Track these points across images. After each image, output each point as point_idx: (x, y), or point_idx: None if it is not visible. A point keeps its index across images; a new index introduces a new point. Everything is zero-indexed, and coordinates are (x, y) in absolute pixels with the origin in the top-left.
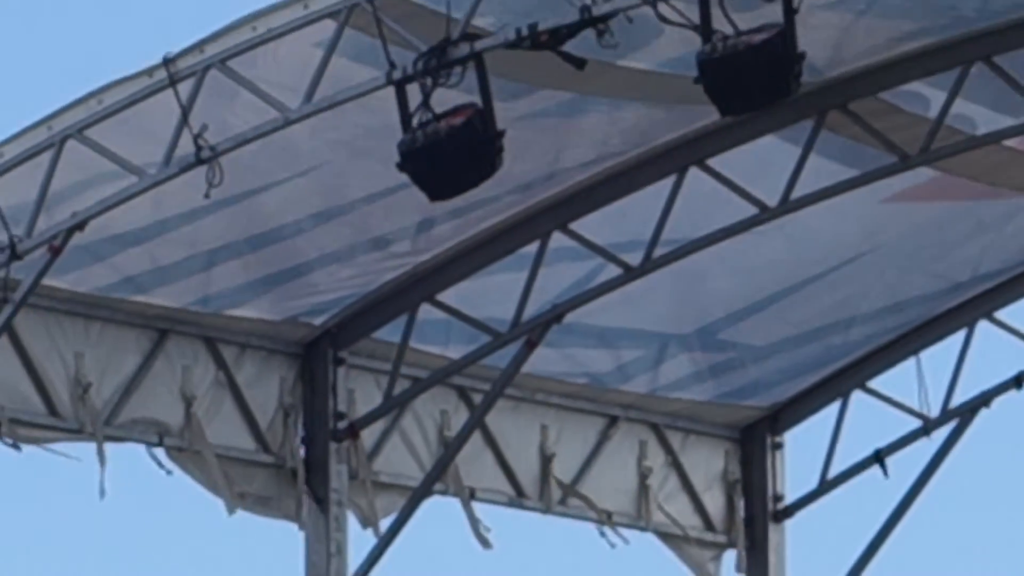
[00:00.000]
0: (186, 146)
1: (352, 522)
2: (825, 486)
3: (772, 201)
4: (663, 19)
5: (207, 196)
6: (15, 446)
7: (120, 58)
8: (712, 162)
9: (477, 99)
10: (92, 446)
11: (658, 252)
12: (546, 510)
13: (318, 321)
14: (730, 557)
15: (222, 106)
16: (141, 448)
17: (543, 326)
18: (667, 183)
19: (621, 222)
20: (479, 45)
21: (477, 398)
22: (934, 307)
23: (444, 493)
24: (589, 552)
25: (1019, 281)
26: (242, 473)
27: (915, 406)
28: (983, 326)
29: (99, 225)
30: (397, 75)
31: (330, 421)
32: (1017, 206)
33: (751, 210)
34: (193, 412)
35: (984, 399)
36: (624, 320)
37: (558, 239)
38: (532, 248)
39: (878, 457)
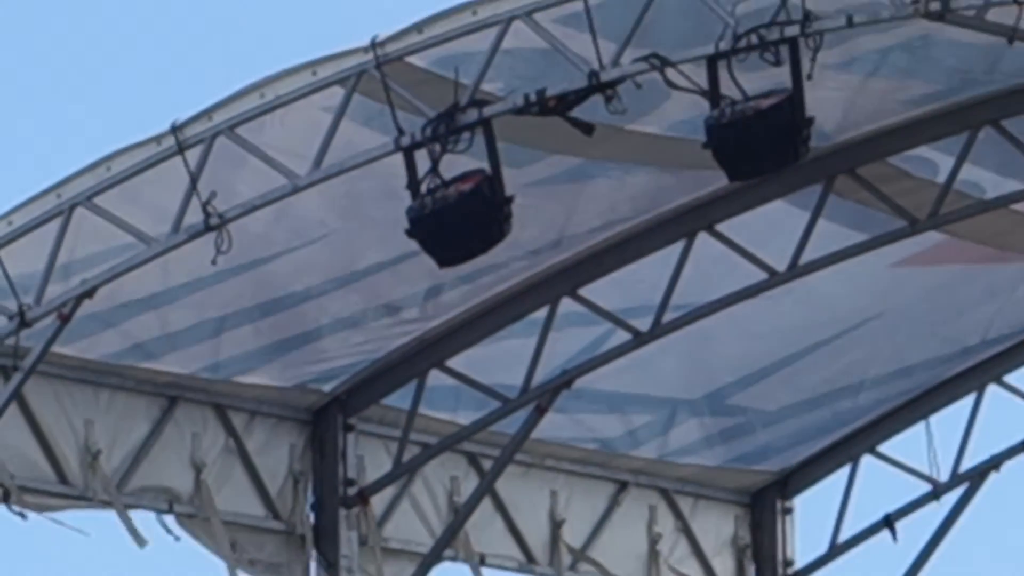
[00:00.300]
0: (195, 213)
1: None
2: (835, 550)
3: (781, 266)
4: (671, 84)
5: (214, 263)
6: (22, 515)
7: (128, 125)
8: (721, 227)
9: (486, 165)
10: (100, 515)
11: (667, 317)
12: None
13: (328, 387)
14: None
15: (231, 173)
16: (151, 515)
17: (553, 392)
18: (676, 248)
19: (630, 287)
20: (487, 111)
21: (487, 464)
22: (943, 371)
23: (454, 559)
24: None
25: None
26: (252, 540)
27: (925, 470)
28: (992, 390)
29: (108, 292)
30: (406, 141)
31: (340, 487)
32: None
33: (760, 275)
34: (203, 479)
35: (994, 463)
36: (633, 385)
37: (567, 304)
38: (541, 314)
39: (888, 521)
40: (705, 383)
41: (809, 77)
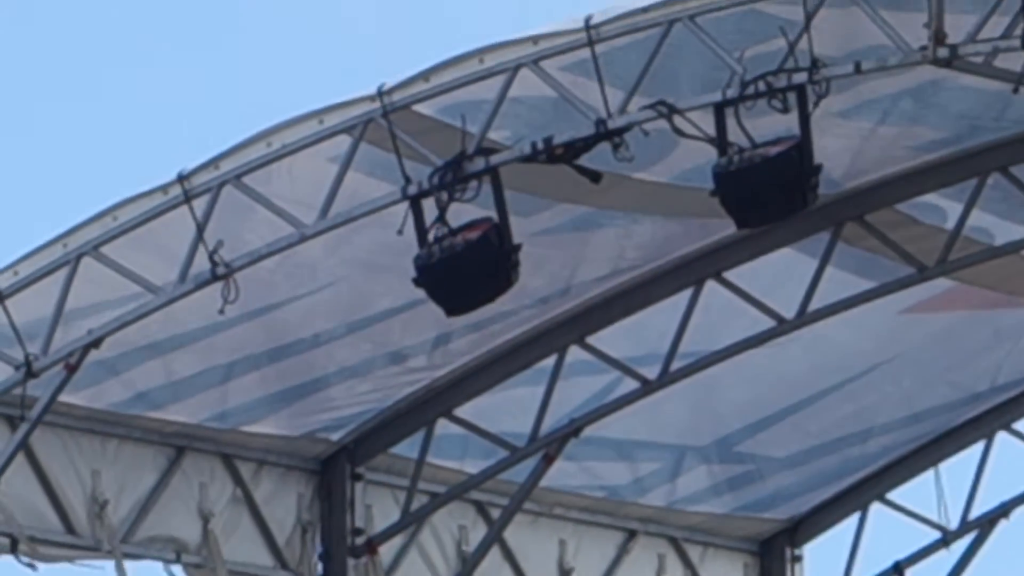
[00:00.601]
0: (202, 262)
1: None
2: None
3: (789, 313)
4: (678, 132)
5: (221, 312)
6: (31, 565)
7: (135, 174)
8: (729, 275)
9: (493, 213)
10: (108, 565)
11: (675, 365)
12: None
13: (335, 436)
14: None
15: (237, 222)
16: (158, 565)
17: (561, 440)
18: (684, 296)
19: (638, 335)
20: (495, 159)
21: (495, 513)
22: (952, 418)
23: None
24: None
25: None
26: None
27: (934, 518)
28: (1002, 437)
29: (115, 340)
30: (413, 190)
31: (348, 537)
32: None
33: (768, 322)
34: (210, 529)
35: (1003, 510)
36: (641, 432)
37: (575, 353)
38: (549, 362)
39: (898, 569)
40: (713, 430)
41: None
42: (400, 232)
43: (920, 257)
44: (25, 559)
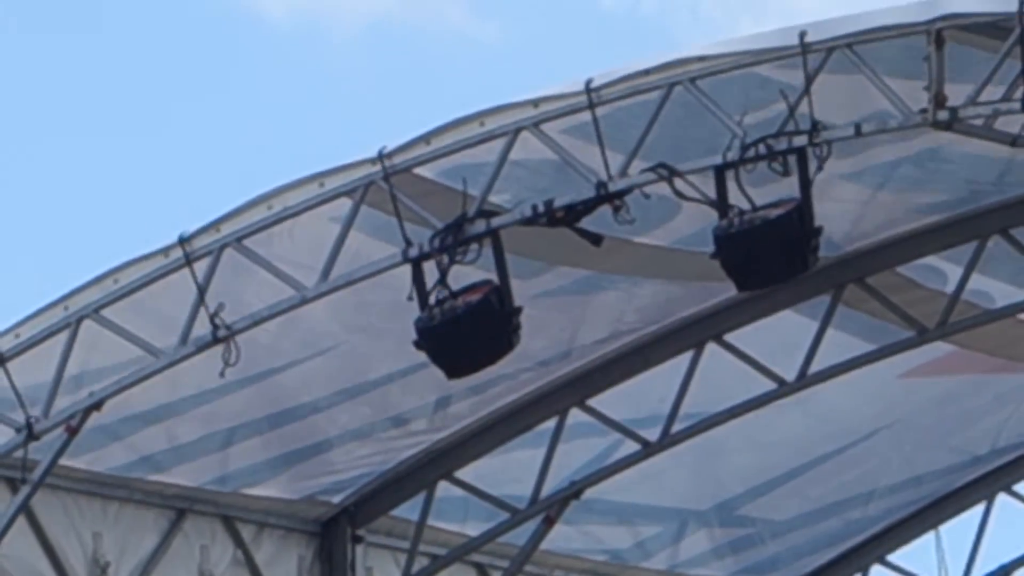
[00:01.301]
0: (202, 325)
1: None
2: None
3: (790, 376)
4: (679, 194)
5: (222, 375)
6: None
7: (135, 237)
8: (729, 337)
9: (494, 276)
10: None
11: (676, 427)
12: None
13: (336, 499)
14: None
15: (238, 284)
16: None
17: (561, 503)
18: (685, 358)
19: (639, 398)
20: (495, 222)
21: (496, 575)
22: (952, 481)
23: None
24: None
25: None
26: None
27: None
28: (1002, 499)
29: (116, 404)
30: (413, 252)
31: None
32: None
33: (769, 385)
34: None
35: (1004, 572)
36: (642, 496)
37: (576, 415)
38: (550, 424)
39: None
40: (714, 493)
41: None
42: (410, 298)
43: (921, 320)
44: None
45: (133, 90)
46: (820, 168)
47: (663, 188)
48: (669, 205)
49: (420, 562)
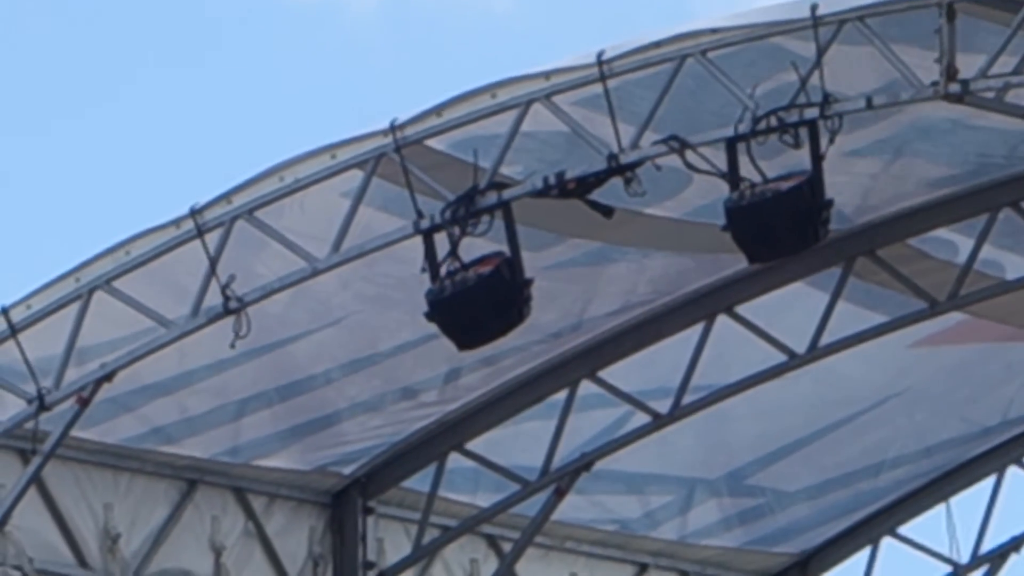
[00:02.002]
0: (214, 296)
1: None
2: None
3: (800, 348)
4: (690, 167)
5: (233, 347)
6: None
7: (147, 209)
8: (740, 309)
9: (505, 248)
10: None
11: (687, 399)
12: None
13: (347, 470)
14: None
15: (250, 256)
16: None
17: (572, 474)
18: (695, 330)
19: (649, 369)
20: (507, 194)
21: (506, 546)
22: (963, 452)
23: None
24: None
25: None
26: None
27: (945, 552)
28: (1013, 471)
29: (127, 376)
30: (425, 224)
31: (360, 570)
32: None
33: (780, 357)
34: (222, 562)
35: (1015, 544)
36: (652, 465)
37: (586, 387)
38: (561, 396)
39: None
40: (724, 463)
41: (822, 157)
42: (423, 270)
43: (931, 291)
44: None
45: (148, 62)
46: (832, 141)
47: (674, 160)
48: (680, 177)
49: (431, 533)
